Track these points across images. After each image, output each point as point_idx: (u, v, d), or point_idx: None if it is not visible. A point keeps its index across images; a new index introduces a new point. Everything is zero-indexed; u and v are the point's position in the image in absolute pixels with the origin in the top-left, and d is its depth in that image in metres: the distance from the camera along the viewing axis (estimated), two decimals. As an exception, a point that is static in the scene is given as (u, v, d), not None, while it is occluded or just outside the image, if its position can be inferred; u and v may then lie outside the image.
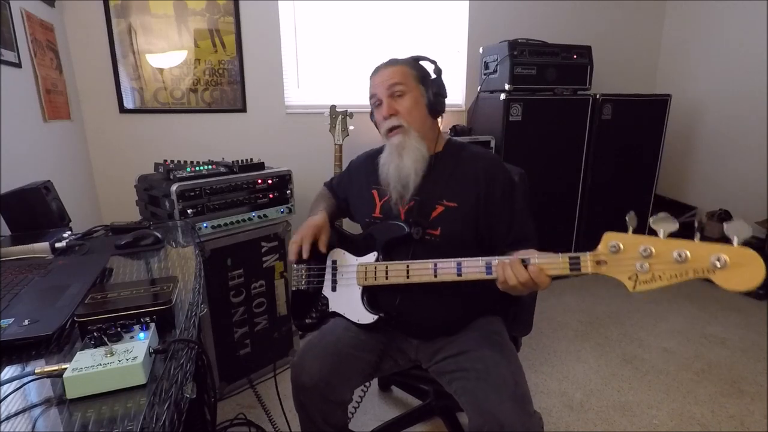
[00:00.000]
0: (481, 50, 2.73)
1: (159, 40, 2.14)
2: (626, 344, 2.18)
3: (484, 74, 2.70)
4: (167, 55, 2.18)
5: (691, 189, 3.30)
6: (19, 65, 1.47)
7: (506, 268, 0.91)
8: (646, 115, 2.85)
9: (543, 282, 0.89)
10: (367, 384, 1.25)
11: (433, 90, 1.17)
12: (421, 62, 1.21)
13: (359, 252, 1.18)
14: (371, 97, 1.19)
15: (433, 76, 1.19)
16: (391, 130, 1.15)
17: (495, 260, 0.95)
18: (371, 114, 1.26)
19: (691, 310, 2.52)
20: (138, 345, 0.59)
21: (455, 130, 2.64)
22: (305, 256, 1.16)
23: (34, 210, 1.18)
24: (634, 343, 2.19)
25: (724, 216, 2.88)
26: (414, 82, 1.16)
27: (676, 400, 1.77)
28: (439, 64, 1.20)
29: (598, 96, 2.68)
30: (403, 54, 1.22)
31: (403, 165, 1.13)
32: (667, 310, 2.52)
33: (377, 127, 1.24)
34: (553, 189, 2.76)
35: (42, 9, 1.75)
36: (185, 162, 1.72)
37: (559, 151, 2.71)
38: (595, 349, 2.14)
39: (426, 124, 1.18)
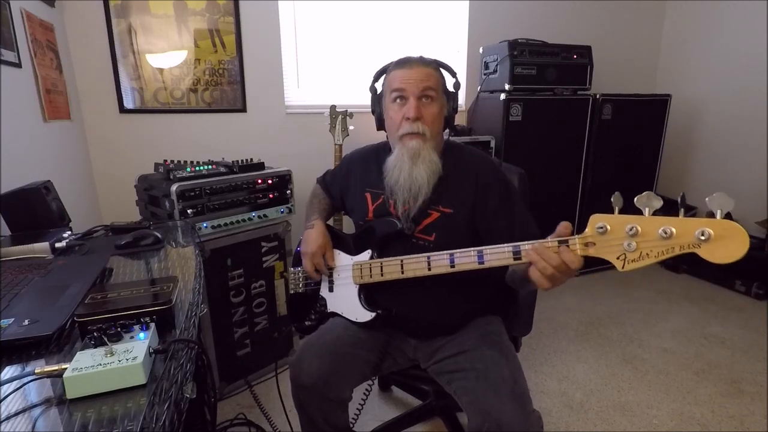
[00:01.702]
0: (481, 50, 2.74)
1: (159, 40, 2.14)
2: (626, 344, 2.18)
3: (484, 74, 2.70)
4: (167, 55, 2.18)
5: (691, 189, 3.30)
6: (19, 65, 1.47)
7: (539, 260, 0.85)
8: (646, 115, 2.85)
9: (574, 261, 0.82)
10: (370, 385, 1.25)
11: (451, 104, 1.15)
12: (445, 66, 1.17)
13: (354, 251, 1.19)
14: (395, 90, 1.09)
15: (452, 90, 1.17)
16: (409, 134, 1.09)
17: (486, 249, 0.95)
18: (374, 106, 1.19)
19: (691, 310, 2.52)
20: (138, 345, 0.60)
21: (455, 130, 2.64)
22: (320, 275, 1.23)
23: (34, 210, 1.18)
24: (634, 343, 2.19)
25: (725, 216, 2.87)
26: (441, 90, 1.12)
27: (676, 400, 1.77)
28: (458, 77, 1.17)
29: (598, 96, 2.68)
30: (400, 54, 1.18)
31: (417, 173, 1.07)
32: (667, 310, 2.52)
33: (381, 122, 1.19)
34: (553, 189, 2.76)
35: (42, 9, 1.75)
36: (185, 162, 1.72)
37: (559, 151, 2.71)
38: (595, 349, 2.14)
39: (440, 136, 1.16)
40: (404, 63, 1.11)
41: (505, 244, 0.92)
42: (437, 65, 1.14)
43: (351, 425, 1.29)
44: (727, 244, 0.70)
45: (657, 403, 1.76)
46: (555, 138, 2.67)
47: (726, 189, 0.70)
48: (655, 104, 2.86)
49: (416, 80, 1.07)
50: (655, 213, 0.76)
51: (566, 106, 2.66)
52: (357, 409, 1.26)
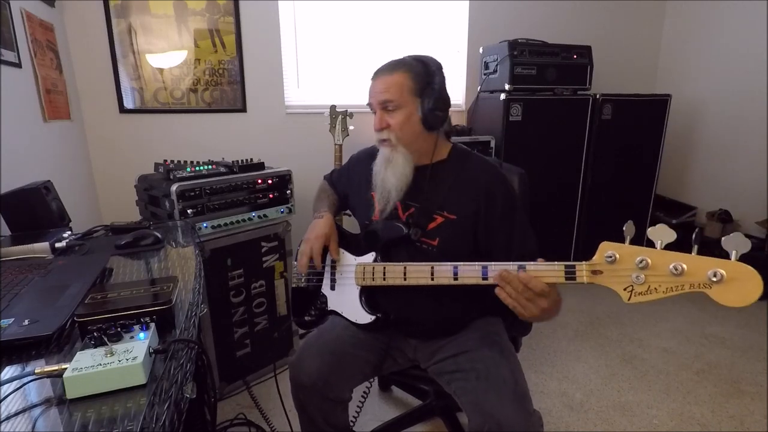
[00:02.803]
0: (481, 50, 2.73)
1: (159, 40, 2.14)
2: (626, 344, 2.18)
3: (484, 74, 2.70)
4: (167, 55, 2.18)
5: (691, 189, 3.30)
6: (19, 65, 1.47)
7: (504, 285, 0.90)
8: (646, 115, 2.84)
9: (537, 286, 0.86)
10: (369, 385, 1.25)
11: (430, 104, 1.07)
12: (426, 63, 1.10)
13: (358, 251, 1.18)
14: (367, 103, 1.15)
15: (435, 85, 1.11)
16: (379, 141, 1.14)
17: (491, 265, 0.94)
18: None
19: (691, 310, 2.52)
20: (138, 345, 0.60)
21: (455, 131, 2.64)
22: (318, 266, 1.18)
23: (34, 210, 1.18)
24: (634, 343, 2.19)
25: (724, 216, 2.87)
26: (409, 95, 1.07)
27: (676, 400, 1.77)
28: (444, 70, 1.12)
29: (598, 96, 2.68)
30: (400, 54, 1.17)
31: (387, 178, 1.12)
32: (667, 310, 2.52)
33: None
34: (553, 189, 2.76)
35: (42, 9, 1.75)
36: (185, 162, 1.72)
37: (559, 151, 2.71)
38: (595, 349, 2.14)
39: (419, 137, 1.11)
40: (375, 75, 1.13)
41: (511, 262, 0.92)
42: (415, 64, 1.09)
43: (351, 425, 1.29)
44: (740, 288, 0.68)
45: (657, 403, 1.76)
46: (555, 138, 2.67)
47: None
48: (655, 104, 2.86)
49: (377, 93, 1.09)
50: (668, 246, 0.74)
51: (566, 106, 2.66)
52: (356, 408, 1.26)
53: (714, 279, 0.69)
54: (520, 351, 1.31)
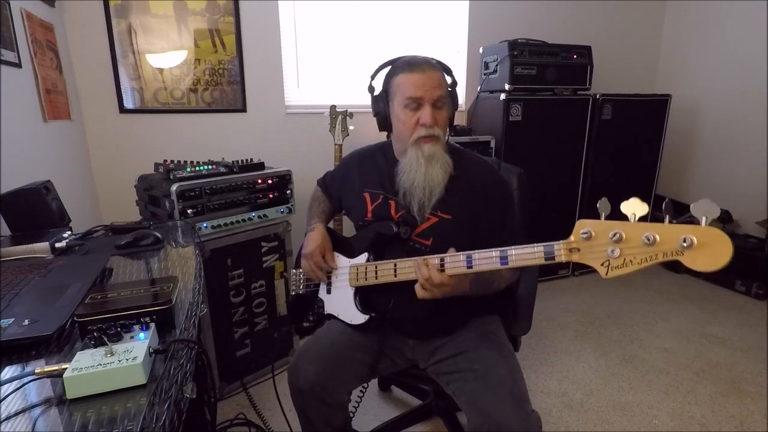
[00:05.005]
0: (481, 50, 2.74)
1: (159, 40, 2.14)
2: (626, 344, 2.18)
3: (484, 74, 2.70)
4: (167, 55, 2.18)
5: (691, 189, 3.30)
6: (19, 65, 1.47)
7: (420, 267, 0.97)
8: (646, 115, 2.85)
9: (440, 280, 0.94)
10: (366, 384, 1.25)
11: (454, 104, 1.14)
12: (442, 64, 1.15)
13: (352, 254, 1.19)
14: (411, 97, 1.05)
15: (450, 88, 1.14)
16: (425, 137, 1.07)
17: (476, 254, 0.95)
18: (377, 108, 1.15)
19: (691, 310, 2.52)
20: (138, 345, 0.60)
21: (455, 131, 2.64)
22: (332, 267, 1.21)
23: (34, 210, 1.18)
24: (634, 343, 2.19)
25: (724, 216, 2.87)
26: (448, 94, 1.11)
27: (676, 400, 1.77)
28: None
29: (598, 96, 2.68)
30: (400, 53, 1.16)
31: (434, 173, 1.07)
32: (667, 310, 2.52)
33: (385, 124, 1.15)
34: (553, 189, 2.76)
35: (42, 9, 1.75)
36: (185, 162, 1.72)
37: (559, 151, 2.71)
38: (595, 349, 2.14)
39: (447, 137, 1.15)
40: (415, 67, 1.06)
41: (493, 249, 0.93)
42: (441, 67, 1.12)
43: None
44: (710, 252, 0.68)
45: (657, 403, 1.76)
46: (555, 138, 2.67)
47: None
48: (655, 104, 2.86)
49: (431, 87, 1.05)
50: (642, 219, 0.75)
51: (566, 106, 2.66)
52: (354, 405, 1.26)
53: (685, 245, 0.70)
54: (519, 351, 1.31)
